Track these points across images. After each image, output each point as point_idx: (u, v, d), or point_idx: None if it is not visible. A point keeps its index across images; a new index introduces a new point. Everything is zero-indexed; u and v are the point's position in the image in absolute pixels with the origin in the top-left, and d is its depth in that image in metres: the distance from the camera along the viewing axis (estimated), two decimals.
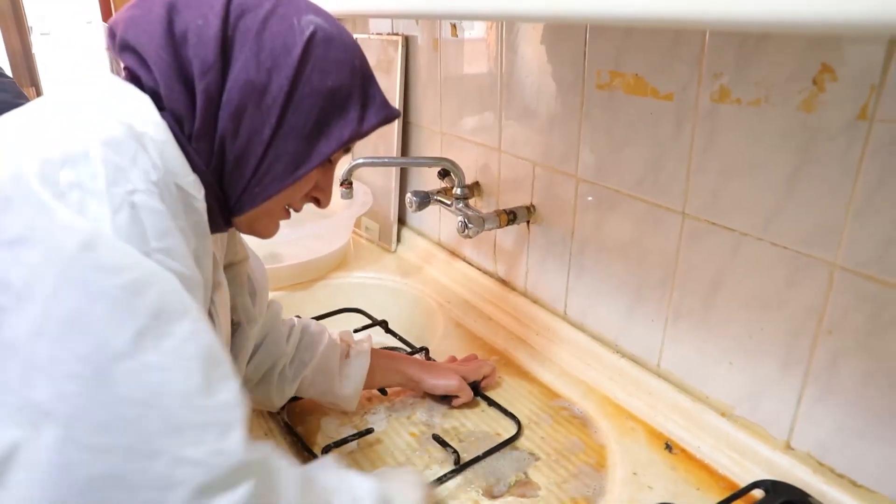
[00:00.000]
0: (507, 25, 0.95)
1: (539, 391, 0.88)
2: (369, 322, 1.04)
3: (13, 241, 0.41)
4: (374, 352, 0.84)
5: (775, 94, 0.61)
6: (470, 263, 1.17)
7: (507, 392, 0.88)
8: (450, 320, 1.07)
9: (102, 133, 0.46)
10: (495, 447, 0.76)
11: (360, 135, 0.58)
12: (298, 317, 0.85)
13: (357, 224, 1.42)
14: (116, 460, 0.39)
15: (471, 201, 1.07)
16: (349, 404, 0.82)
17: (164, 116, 0.51)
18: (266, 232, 0.63)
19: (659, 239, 0.78)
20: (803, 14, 0.31)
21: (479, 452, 0.75)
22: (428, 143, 1.23)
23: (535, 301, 1.02)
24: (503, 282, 1.09)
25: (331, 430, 0.80)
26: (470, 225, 0.95)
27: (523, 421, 0.81)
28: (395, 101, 1.23)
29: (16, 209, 0.42)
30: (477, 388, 0.86)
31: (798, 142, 0.61)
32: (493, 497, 0.69)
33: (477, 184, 1.10)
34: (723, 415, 0.74)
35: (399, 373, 0.85)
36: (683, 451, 0.75)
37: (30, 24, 2.78)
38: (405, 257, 1.30)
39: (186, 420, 0.41)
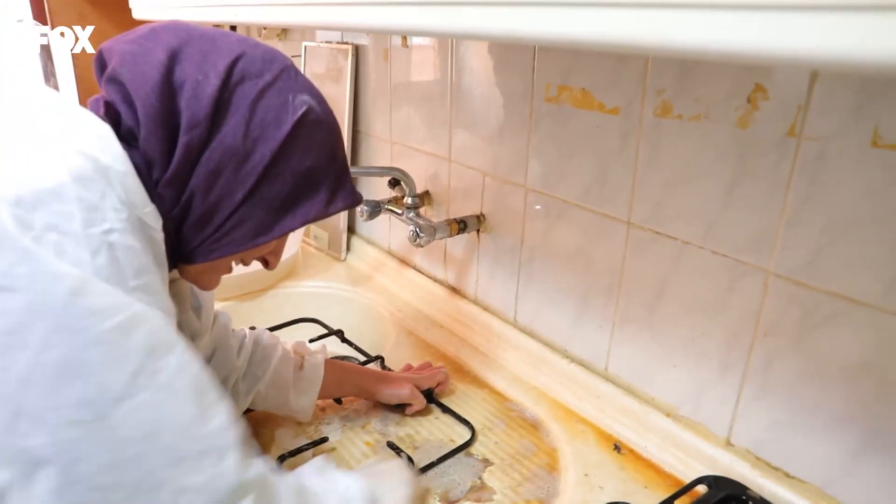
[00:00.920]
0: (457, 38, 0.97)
1: (491, 397, 0.90)
2: (325, 332, 1.04)
3: None
4: (327, 363, 0.84)
5: (714, 111, 0.65)
6: (420, 272, 1.18)
7: (460, 399, 0.89)
8: (401, 329, 1.08)
9: (71, 168, 0.45)
10: (450, 453, 0.77)
11: (325, 216, 0.60)
12: (253, 328, 0.84)
13: (306, 233, 1.41)
14: (122, 497, 0.41)
15: (421, 210, 1.08)
16: (304, 416, 0.81)
17: (126, 149, 0.50)
18: (209, 285, 0.63)
19: (605, 247, 0.81)
20: (728, 47, 0.34)
21: (434, 459, 0.76)
22: (378, 153, 1.23)
23: (485, 308, 1.04)
24: (454, 290, 1.11)
25: (285, 440, 0.80)
26: (421, 234, 0.96)
27: (477, 427, 0.82)
28: (345, 110, 1.23)
29: None
30: (431, 396, 0.87)
31: (735, 156, 0.65)
32: (450, 502, 0.70)
33: (427, 193, 1.11)
34: (668, 415, 0.78)
35: (353, 384, 0.85)
36: (631, 451, 0.78)
37: None
38: (355, 266, 1.30)
39: (185, 451, 0.43)
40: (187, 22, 0.57)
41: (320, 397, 0.82)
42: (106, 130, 0.50)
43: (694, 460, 0.73)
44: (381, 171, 1.12)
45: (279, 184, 0.56)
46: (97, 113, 0.53)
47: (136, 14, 1.08)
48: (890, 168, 0.54)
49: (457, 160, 1.03)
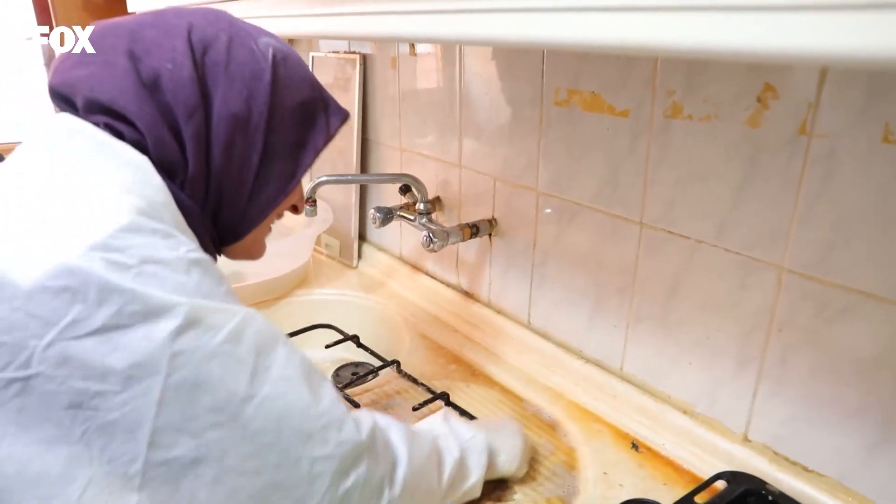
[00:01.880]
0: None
1: (507, 399, 0.91)
2: (341, 337, 1.05)
3: (102, 330, 0.42)
4: None
5: (724, 111, 0.66)
6: (433, 277, 1.19)
7: (476, 401, 0.90)
8: (416, 333, 1.09)
9: (130, 206, 0.46)
10: None
11: (329, 139, 0.63)
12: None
13: (317, 242, 1.42)
14: (269, 475, 0.47)
15: (433, 216, 1.09)
16: None
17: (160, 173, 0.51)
18: (260, 252, 0.67)
19: (618, 248, 0.82)
20: (737, 47, 0.35)
21: None
22: (388, 160, 1.25)
23: (499, 311, 1.05)
24: (467, 294, 1.12)
25: None
26: (435, 239, 0.97)
27: None
28: (354, 118, 1.24)
29: (91, 300, 0.42)
30: (448, 399, 0.88)
31: (746, 155, 0.66)
32: (471, 502, 0.71)
33: (438, 199, 1.12)
34: (684, 413, 0.78)
35: None
36: (649, 449, 0.79)
37: None
38: (367, 273, 1.31)
39: (311, 428, 0.49)
40: (110, 19, 0.56)
41: None
42: (142, 162, 0.51)
43: (712, 456, 0.74)
44: (392, 177, 1.13)
45: (283, 129, 0.58)
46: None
47: None
48: None
49: (467, 165, 1.04)
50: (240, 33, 0.56)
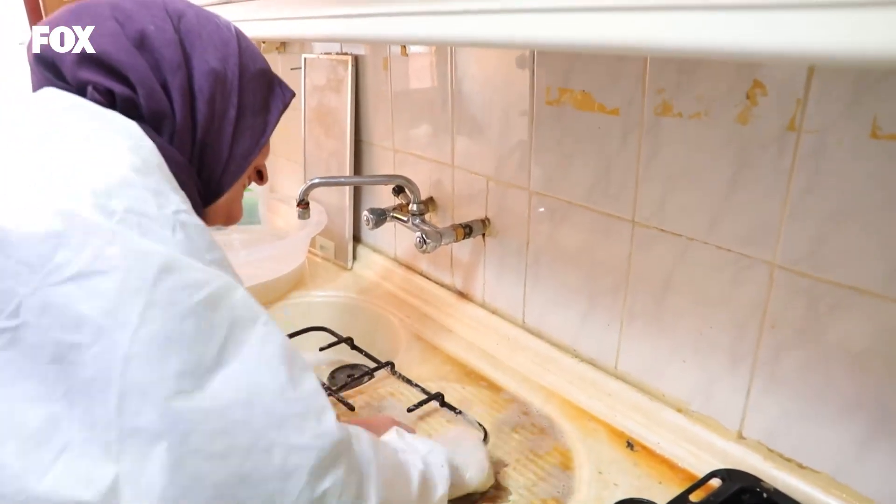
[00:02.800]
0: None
1: (503, 399, 0.90)
2: (335, 340, 1.05)
3: (79, 275, 0.41)
4: None
5: (714, 108, 0.66)
6: (427, 278, 1.19)
7: (472, 401, 0.90)
8: (411, 334, 1.09)
9: (125, 163, 0.47)
10: None
11: (286, 105, 0.69)
12: None
13: (312, 243, 1.42)
14: (238, 462, 0.42)
15: (426, 217, 1.09)
16: None
17: (147, 130, 0.53)
18: (238, 213, 0.71)
19: (611, 246, 0.82)
20: (724, 46, 0.35)
21: None
22: (381, 162, 1.24)
23: (493, 311, 1.05)
24: (461, 294, 1.12)
25: None
26: (428, 240, 0.97)
27: (489, 428, 0.83)
28: (347, 120, 1.24)
29: (74, 244, 0.41)
30: (443, 400, 0.88)
31: (736, 151, 0.66)
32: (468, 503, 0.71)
33: (431, 199, 1.12)
34: (679, 410, 0.78)
35: None
36: (644, 447, 0.79)
37: None
38: (362, 274, 1.31)
39: (285, 412, 0.45)
40: None
41: None
42: (132, 126, 0.53)
43: (707, 454, 0.74)
44: (385, 179, 1.13)
45: (252, 89, 0.64)
46: (93, 99, 0.54)
47: None
48: (889, 158, 0.55)
49: (460, 166, 1.04)
50: (202, 11, 0.63)
